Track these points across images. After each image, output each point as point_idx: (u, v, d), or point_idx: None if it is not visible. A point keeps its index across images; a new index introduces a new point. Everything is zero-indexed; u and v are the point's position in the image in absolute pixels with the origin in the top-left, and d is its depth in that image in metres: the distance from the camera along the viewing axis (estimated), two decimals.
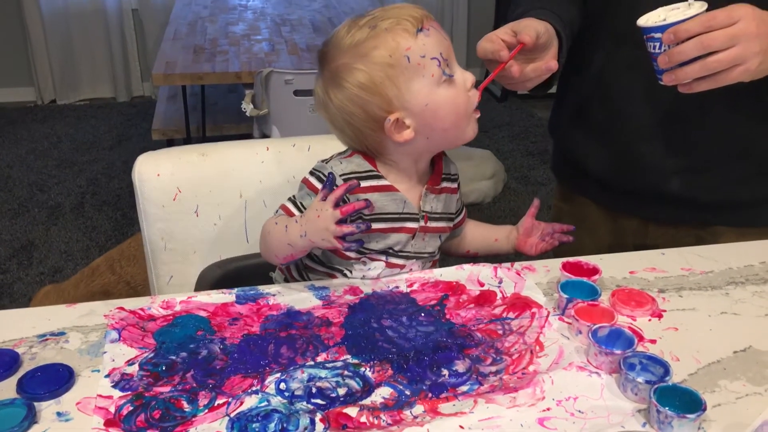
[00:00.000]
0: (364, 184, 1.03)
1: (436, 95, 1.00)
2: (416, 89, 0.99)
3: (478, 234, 1.23)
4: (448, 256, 1.21)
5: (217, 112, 3.12)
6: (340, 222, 0.95)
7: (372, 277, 1.06)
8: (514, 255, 1.15)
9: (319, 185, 1.03)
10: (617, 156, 1.22)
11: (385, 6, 1.03)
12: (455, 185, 1.15)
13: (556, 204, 1.44)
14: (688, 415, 0.74)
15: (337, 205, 0.95)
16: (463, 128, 1.04)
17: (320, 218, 0.96)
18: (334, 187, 0.97)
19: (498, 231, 1.22)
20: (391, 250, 1.07)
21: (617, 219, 1.30)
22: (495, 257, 1.17)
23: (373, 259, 1.07)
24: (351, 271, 1.07)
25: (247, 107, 2.47)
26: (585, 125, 1.27)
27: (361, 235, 0.99)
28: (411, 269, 1.09)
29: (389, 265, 1.07)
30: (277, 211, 1.05)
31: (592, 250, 1.27)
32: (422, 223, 1.07)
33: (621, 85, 1.18)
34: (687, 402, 0.76)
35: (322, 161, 1.06)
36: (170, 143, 2.99)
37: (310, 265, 1.10)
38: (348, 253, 1.05)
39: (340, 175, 1.03)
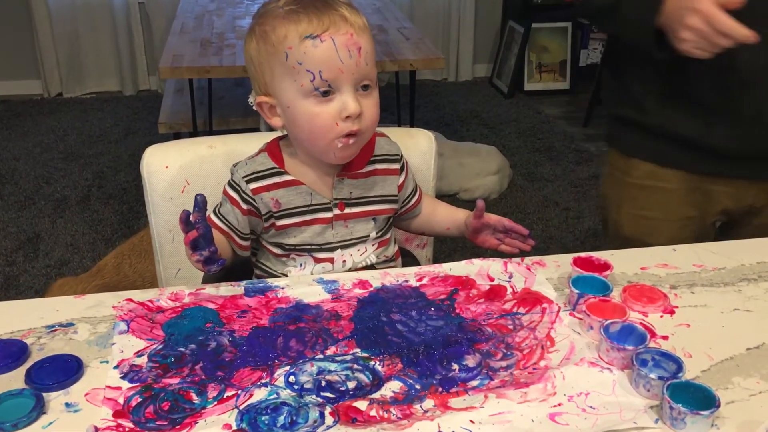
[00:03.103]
0: (266, 182, 1.04)
1: (297, 103, 0.99)
2: (284, 87, 0.99)
3: (436, 216, 1.20)
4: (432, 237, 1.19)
5: (224, 106, 3.11)
6: (195, 248, 0.94)
7: (306, 274, 1.07)
8: (521, 252, 1.14)
9: (231, 192, 1.05)
10: (742, 128, 1.18)
11: None
12: (396, 166, 1.12)
13: (619, 178, 1.35)
14: (702, 412, 0.73)
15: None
16: (321, 149, 1.01)
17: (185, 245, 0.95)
18: (196, 209, 0.92)
19: (452, 219, 1.19)
20: (313, 245, 1.07)
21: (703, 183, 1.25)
22: (503, 253, 1.15)
23: (299, 255, 1.07)
24: (287, 275, 1.08)
25: (254, 101, 2.46)
26: (694, 104, 1.19)
27: (214, 255, 0.94)
28: (344, 260, 1.09)
29: (317, 260, 1.08)
30: None
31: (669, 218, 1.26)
32: (337, 211, 1.07)
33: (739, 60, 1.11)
34: (700, 399, 0.75)
35: (234, 165, 1.07)
36: (177, 137, 2.98)
37: (260, 275, 1.12)
38: (275, 250, 1.07)
39: (243, 177, 1.04)
